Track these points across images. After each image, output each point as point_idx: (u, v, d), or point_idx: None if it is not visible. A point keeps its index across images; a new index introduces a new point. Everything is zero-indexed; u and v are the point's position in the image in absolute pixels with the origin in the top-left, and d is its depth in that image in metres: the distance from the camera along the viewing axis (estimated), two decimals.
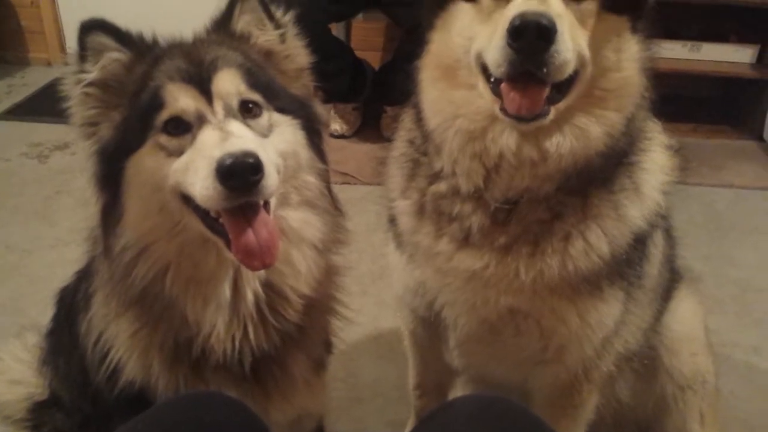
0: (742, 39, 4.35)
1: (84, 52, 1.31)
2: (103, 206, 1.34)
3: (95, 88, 1.33)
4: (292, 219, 1.39)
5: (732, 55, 4.32)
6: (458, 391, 2.10)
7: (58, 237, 3.20)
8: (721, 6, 4.18)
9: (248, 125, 1.27)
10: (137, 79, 1.31)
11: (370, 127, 4.32)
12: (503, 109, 1.26)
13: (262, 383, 1.46)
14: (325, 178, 1.46)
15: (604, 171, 1.38)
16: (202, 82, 1.27)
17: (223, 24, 1.44)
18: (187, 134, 1.25)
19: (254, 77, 1.33)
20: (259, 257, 1.23)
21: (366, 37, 4.78)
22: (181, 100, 1.25)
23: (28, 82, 5.03)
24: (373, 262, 3.02)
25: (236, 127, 1.24)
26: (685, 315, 1.90)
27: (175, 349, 1.39)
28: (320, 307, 1.53)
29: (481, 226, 1.43)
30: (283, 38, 1.46)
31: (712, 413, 1.95)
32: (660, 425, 1.97)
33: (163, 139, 1.26)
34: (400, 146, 1.62)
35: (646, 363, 1.86)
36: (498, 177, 1.36)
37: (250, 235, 1.22)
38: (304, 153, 1.39)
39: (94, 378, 1.50)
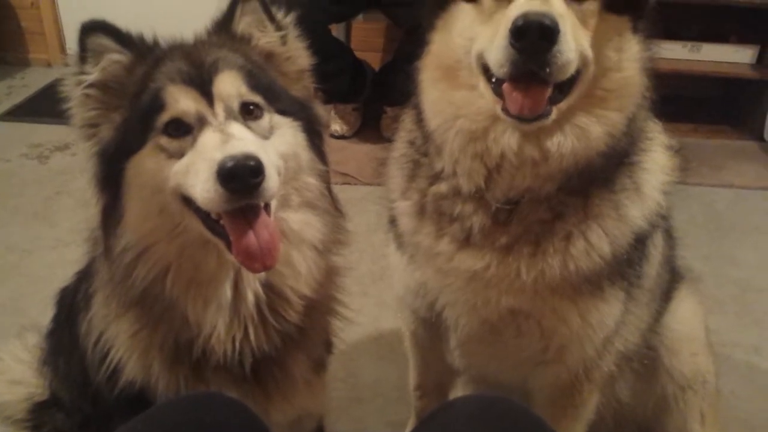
0: (742, 39, 4.35)
1: (84, 54, 1.31)
2: (104, 207, 1.34)
3: (95, 90, 1.32)
4: (292, 220, 1.39)
5: (732, 56, 4.33)
6: (459, 391, 2.10)
7: (59, 237, 3.20)
8: (721, 6, 4.18)
9: (249, 127, 1.27)
10: (138, 80, 1.31)
11: (370, 128, 4.32)
12: (505, 110, 1.26)
13: (262, 384, 1.46)
14: (326, 179, 1.46)
15: (605, 171, 1.38)
16: (202, 84, 1.27)
17: (224, 25, 1.44)
18: (187, 136, 1.25)
19: (255, 79, 1.33)
20: (259, 259, 1.23)
21: (366, 38, 4.78)
22: (182, 101, 1.25)
23: (29, 83, 5.03)
24: (373, 262, 3.02)
25: (237, 129, 1.24)
26: (685, 315, 1.90)
27: (175, 350, 1.39)
28: (321, 307, 1.53)
29: (482, 227, 1.43)
30: (284, 40, 1.46)
31: (712, 413, 1.95)
32: (660, 425, 1.97)
33: (164, 140, 1.26)
34: (400, 147, 1.62)
35: (647, 363, 1.87)
36: (499, 177, 1.36)
37: (250, 237, 1.22)
38: (305, 155, 1.39)
39: (94, 378, 1.50)
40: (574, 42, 1.21)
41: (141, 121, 1.27)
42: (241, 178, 1.15)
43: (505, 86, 1.25)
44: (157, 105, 1.26)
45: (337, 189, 1.53)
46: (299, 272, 1.41)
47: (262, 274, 1.36)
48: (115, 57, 1.33)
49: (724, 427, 2.05)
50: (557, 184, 1.35)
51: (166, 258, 1.32)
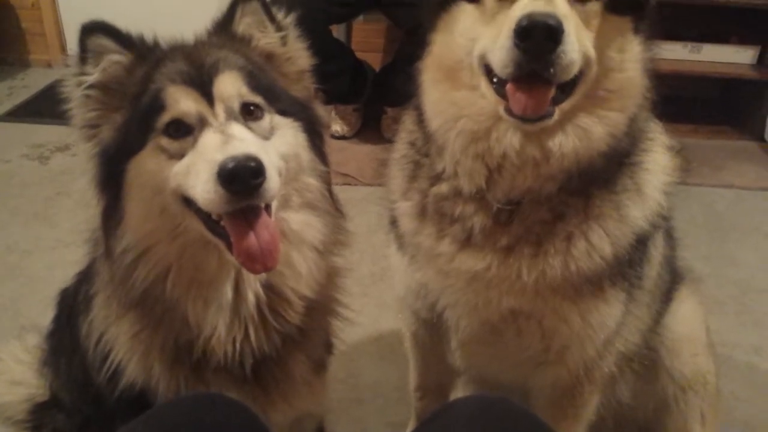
0: (742, 40, 4.35)
1: (85, 54, 1.31)
2: (104, 208, 1.34)
3: (96, 90, 1.32)
4: (293, 221, 1.39)
5: (732, 56, 4.33)
6: (459, 392, 2.10)
7: (59, 238, 3.20)
8: (721, 7, 4.18)
9: (250, 128, 1.27)
10: (138, 81, 1.31)
11: (371, 129, 4.32)
12: (508, 110, 1.26)
13: (262, 384, 1.46)
14: (326, 180, 1.46)
15: (607, 171, 1.38)
16: (203, 85, 1.27)
17: (224, 26, 1.44)
18: (188, 137, 1.25)
19: (255, 80, 1.33)
20: (260, 260, 1.23)
21: (366, 39, 4.78)
22: (183, 102, 1.25)
23: (29, 83, 5.03)
24: (374, 263, 3.02)
25: (238, 129, 1.23)
26: (686, 316, 1.90)
27: (176, 351, 1.39)
28: (321, 308, 1.53)
29: (483, 227, 1.43)
30: (284, 41, 1.46)
31: (713, 414, 1.95)
32: (661, 426, 1.97)
33: (164, 141, 1.26)
34: (401, 148, 1.62)
35: (647, 364, 1.86)
36: (500, 177, 1.36)
37: (251, 238, 1.22)
38: (306, 155, 1.39)
39: (94, 379, 1.51)
40: (577, 42, 1.21)
41: (141, 121, 1.27)
42: (242, 179, 1.14)
43: (509, 87, 1.24)
44: (158, 106, 1.26)
45: (337, 190, 1.53)
46: (300, 273, 1.41)
47: (263, 275, 1.36)
48: (116, 58, 1.33)
49: (724, 427, 2.06)
50: (558, 185, 1.35)
51: (166, 259, 1.32)
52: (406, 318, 1.88)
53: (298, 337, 1.47)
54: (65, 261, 2.71)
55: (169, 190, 1.26)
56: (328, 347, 1.67)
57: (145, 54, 1.35)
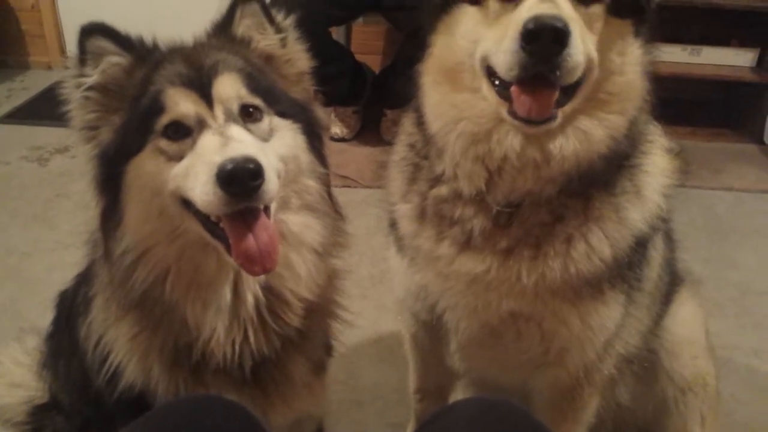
0: (742, 43, 4.35)
1: (84, 56, 1.31)
2: (103, 210, 1.34)
3: (95, 92, 1.32)
4: (292, 223, 1.39)
5: (732, 59, 4.33)
6: (459, 394, 2.09)
7: (58, 240, 3.20)
8: (721, 10, 4.18)
9: (249, 130, 1.27)
10: (137, 83, 1.31)
11: (370, 131, 4.32)
12: (512, 112, 1.26)
13: (262, 386, 1.46)
14: (326, 182, 1.46)
15: (606, 173, 1.38)
16: (202, 87, 1.26)
17: (223, 28, 1.44)
18: (187, 139, 1.25)
19: (255, 81, 1.32)
20: (259, 262, 1.23)
21: (366, 41, 4.79)
22: (182, 104, 1.25)
23: (29, 85, 5.03)
24: (373, 265, 3.02)
25: (237, 131, 1.23)
26: (685, 318, 1.90)
27: (175, 353, 1.39)
28: (320, 310, 1.53)
29: (483, 230, 1.43)
30: (283, 42, 1.46)
31: (712, 416, 1.95)
32: (660, 428, 1.97)
33: (163, 143, 1.26)
34: (400, 150, 1.62)
35: (647, 366, 1.86)
36: (500, 180, 1.36)
37: (250, 240, 1.22)
38: (305, 157, 1.39)
39: (94, 381, 1.50)
40: (582, 45, 1.21)
41: (140, 123, 1.27)
42: (241, 180, 1.14)
43: (513, 89, 1.24)
44: (157, 108, 1.26)
45: (336, 192, 1.53)
46: (299, 275, 1.40)
47: (262, 277, 1.36)
48: (115, 59, 1.33)
49: (724, 430, 2.05)
50: (558, 187, 1.35)
51: (165, 261, 1.32)
52: (405, 320, 1.88)
53: (298, 339, 1.47)
54: (64, 263, 2.71)
55: (168, 192, 1.26)
56: (328, 349, 1.67)
57: (144, 56, 1.35)
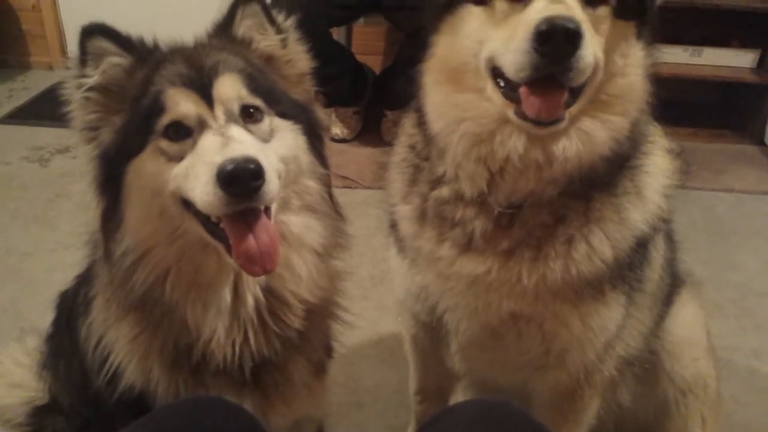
0: (743, 44, 4.35)
1: (85, 57, 1.31)
2: (104, 210, 1.33)
3: (96, 93, 1.32)
4: (293, 224, 1.39)
5: (733, 60, 4.33)
6: (459, 396, 2.09)
7: (59, 240, 3.20)
8: (722, 11, 4.18)
9: (249, 130, 1.27)
10: (138, 83, 1.31)
11: (371, 131, 4.32)
12: (519, 113, 1.25)
13: (262, 388, 1.45)
14: (326, 183, 1.46)
15: (608, 175, 1.38)
16: (203, 87, 1.26)
17: (224, 28, 1.44)
18: (187, 139, 1.25)
19: (255, 82, 1.32)
20: (259, 263, 1.23)
21: (367, 42, 4.79)
22: (182, 105, 1.25)
23: (29, 85, 5.03)
24: (373, 266, 3.02)
25: (237, 132, 1.23)
26: (686, 319, 1.90)
27: (175, 354, 1.39)
28: (321, 311, 1.52)
29: (484, 231, 1.43)
30: (284, 43, 1.46)
31: (713, 417, 1.95)
32: (661, 430, 1.97)
33: (164, 144, 1.26)
34: (400, 151, 1.61)
35: (648, 367, 1.86)
36: (502, 181, 1.36)
37: (250, 241, 1.22)
38: (305, 158, 1.39)
39: (94, 382, 1.50)
40: (592, 47, 1.21)
41: (141, 124, 1.27)
42: (241, 181, 1.14)
43: (523, 90, 1.23)
44: (158, 108, 1.26)
45: (337, 192, 1.53)
46: (299, 276, 1.40)
47: (262, 278, 1.36)
48: (116, 60, 1.33)
49: (724, 431, 2.05)
50: (560, 188, 1.35)
51: (165, 261, 1.32)
52: (405, 321, 1.87)
53: (298, 340, 1.47)
54: (65, 263, 2.70)
55: (168, 193, 1.25)
56: (328, 350, 1.66)
57: (145, 56, 1.35)
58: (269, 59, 1.44)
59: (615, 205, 1.42)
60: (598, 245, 1.41)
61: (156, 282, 1.33)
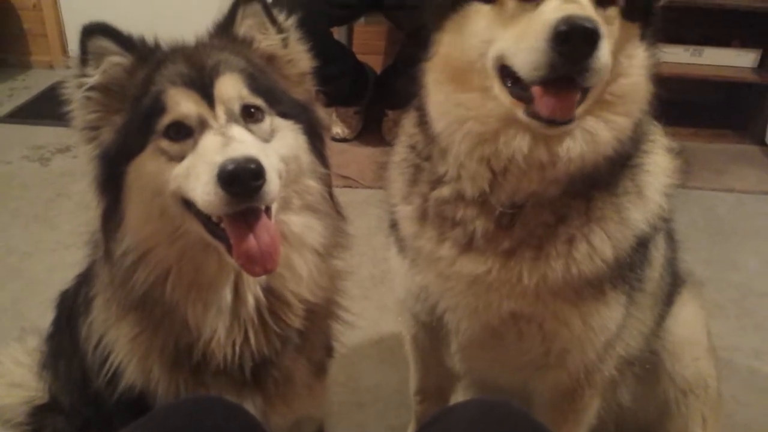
0: (744, 43, 4.35)
1: (85, 56, 1.31)
2: (104, 210, 1.33)
3: (97, 92, 1.32)
4: (293, 223, 1.38)
5: (734, 60, 4.33)
6: (459, 395, 2.09)
7: (59, 240, 3.20)
8: (723, 10, 4.18)
9: (250, 130, 1.27)
10: (139, 83, 1.31)
11: (372, 131, 4.32)
12: (531, 113, 1.24)
13: (262, 388, 1.45)
14: (327, 182, 1.46)
15: (609, 174, 1.38)
16: (204, 87, 1.26)
17: (225, 28, 1.43)
18: (188, 139, 1.25)
19: (256, 82, 1.32)
20: (260, 263, 1.23)
21: (368, 41, 4.78)
22: (183, 104, 1.25)
23: (30, 84, 5.03)
24: (374, 266, 3.02)
25: (238, 132, 1.23)
26: (687, 319, 1.90)
27: (175, 354, 1.39)
28: (321, 311, 1.52)
29: (485, 231, 1.42)
30: (285, 43, 1.46)
31: (714, 417, 1.94)
32: (662, 430, 1.97)
33: (165, 143, 1.25)
34: (401, 151, 1.61)
35: (648, 367, 1.86)
36: (505, 181, 1.35)
37: (251, 241, 1.22)
38: (306, 158, 1.39)
39: (94, 382, 1.50)
40: (607, 47, 1.21)
41: (142, 123, 1.27)
42: (242, 181, 1.14)
43: (536, 89, 1.22)
44: (158, 108, 1.26)
45: (338, 192, 1.53)
46: (300, 276, 1.40)
47: (263, 278, 1.36)
48: (116, 59, 1.32)
49: (725, 431, 2.05)
50: (562, 188, 1.35)
51: (166, 261, 1.32)
52: (406, 321, 1.87)
53: (298, 340, 1.47)
54: (65, 263, 2.70)
55: (169, 192, 1.25)
56: (329, 350, 1.66)
57: (145, 56, 1.35)
58: (270, 59, 1.44)
59: (616, 205, 1.42)
60: (599, 245, 1.41)
61: (156, 282, 1.33)
